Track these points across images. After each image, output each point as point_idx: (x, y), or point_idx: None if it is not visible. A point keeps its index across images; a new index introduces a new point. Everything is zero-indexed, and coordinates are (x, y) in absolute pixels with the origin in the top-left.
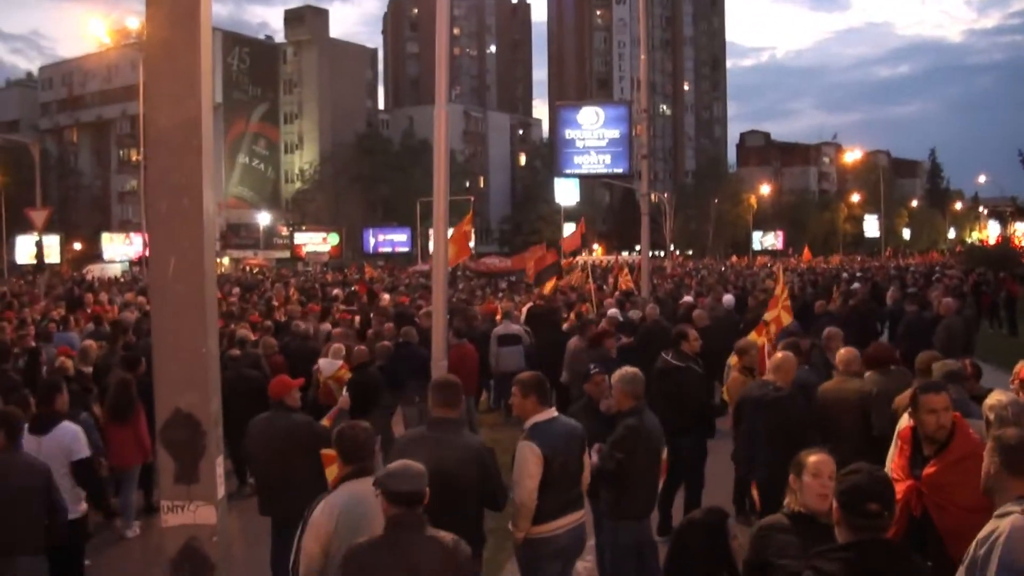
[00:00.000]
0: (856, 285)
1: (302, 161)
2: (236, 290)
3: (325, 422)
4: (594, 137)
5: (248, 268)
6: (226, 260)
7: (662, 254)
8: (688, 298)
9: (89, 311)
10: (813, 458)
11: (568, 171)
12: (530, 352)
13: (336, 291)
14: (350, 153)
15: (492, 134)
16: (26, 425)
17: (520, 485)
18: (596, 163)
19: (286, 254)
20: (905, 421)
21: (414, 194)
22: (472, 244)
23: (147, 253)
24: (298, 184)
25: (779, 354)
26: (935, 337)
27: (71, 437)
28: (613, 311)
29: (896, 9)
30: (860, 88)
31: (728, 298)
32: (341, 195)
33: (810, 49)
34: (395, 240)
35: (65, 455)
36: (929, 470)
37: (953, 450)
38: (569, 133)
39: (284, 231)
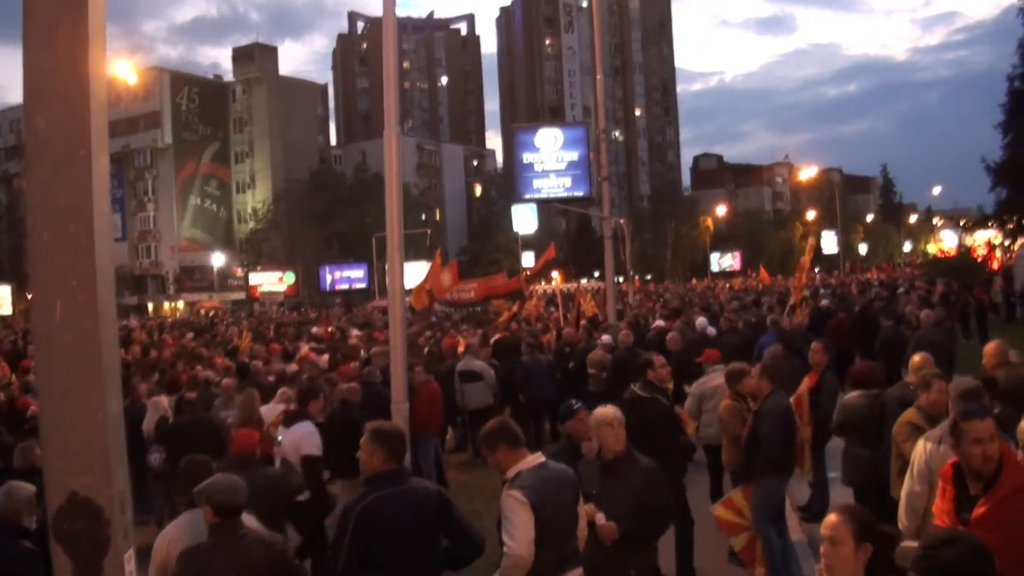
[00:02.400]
0: (825, 301)
1: (255, 200)
2: (190, 334)
3: None
4: (553, 160)
5: (203, 311)
6: (181, 304)
7: (621, 279)
8: (659, 322)
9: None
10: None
11: (528, 196)
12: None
13: (315, 329)
14: (303, 190)
15: (446, 166)
16: None
17: (512, 537)
18: (556, 187)
19: (242, 295)
20: (929, 454)
21: (370, 229)
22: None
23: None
24: (251, 224)
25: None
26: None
27: None
28: (606, 337)
29: (841, 30)
30: (809, 108)
31: (702, 321)
32: (296, 233)
33: (758, 72)
34: (352, 276)
35: None
36: (979, 511)
37: (1003, 485)
38: (527, 156)
39: (239, 272)
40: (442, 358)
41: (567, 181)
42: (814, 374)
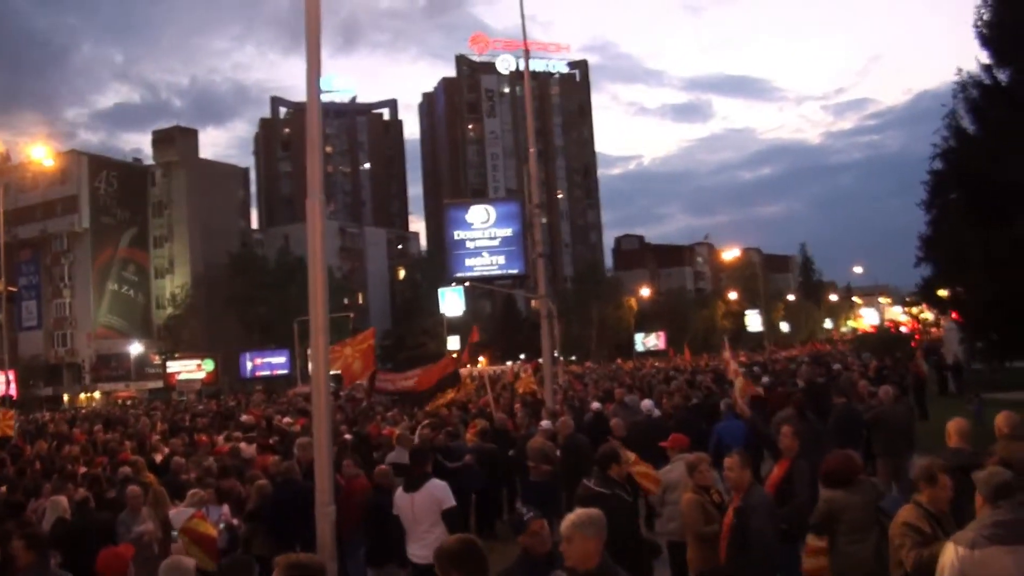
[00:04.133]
0: (766, 379)
1: (174, 285)
2: (99, 427)
3: None
4: (485, 237)
5: (120, 401)
6: (97, 394)
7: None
8: (596, 404)
9: None
10: None
11: (460, 274)
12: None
13: (244, 417)
14: (223, 274)
15: (370, 249)
16: None
17: None
18: (489, 264)
19: (159, 384)
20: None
21: (291, 314)
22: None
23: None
24: (170, 309)
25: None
26: (875, 432)
27: None
28: (546, 423)
29: (756, 116)
30: (726, 191)
31: (647, 403)
32: (215, 319)
33: (675, 156)
34: (273, 363)
35: None
36: None
37: None
38: (459, 234)
39: (156, 360)
40: (369, 449)
41: (500, 259)
42: (785, 461)
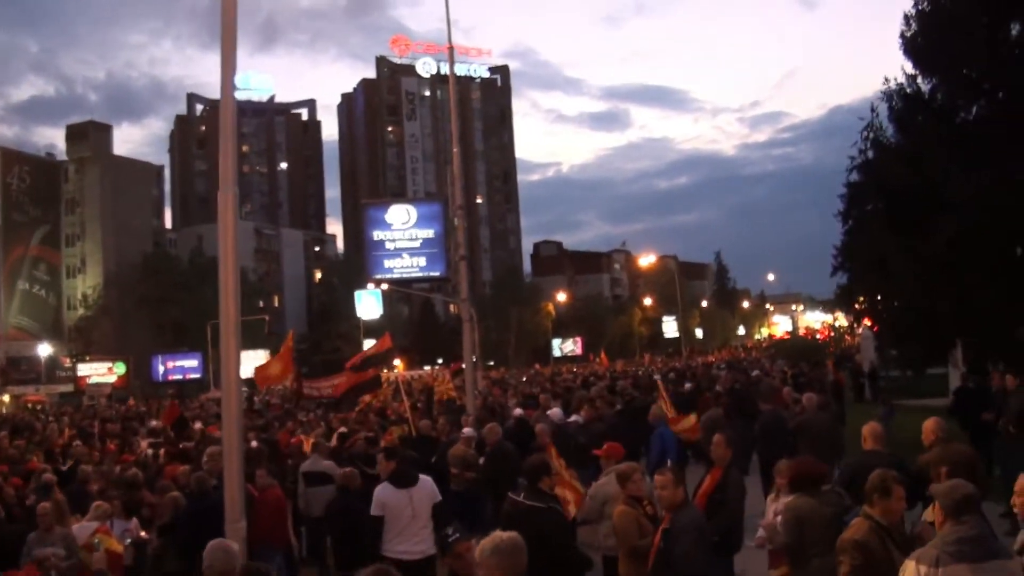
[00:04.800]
0: (687, 384)
1: (85, 285)
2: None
3: None
4: (406, 238)
5: (29, 405)
6: (7, 398)
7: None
8: (518, 411)
9: None
10: None
11: (379, 276)
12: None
13: (154, 423)
14: (136, 274)
15: (285, 251)
16: None
17: None
18: (410, 266)
19: (70, 387)
20: None
21: (205, 316)
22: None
23: None
24: (81, 310)
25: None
26: (801, 439)
27: None
28: (468, 430)
29: (673, 127)
30: (643, 199)
31: (556, 411)
32: (127, 320)
33: (593, 164)
34: (185, 366)
35: None
36: None
37: None
38: (378, 234)
39: (67, 362)
40: (281, 457)
41: (421, 260)
42: (717, 470)
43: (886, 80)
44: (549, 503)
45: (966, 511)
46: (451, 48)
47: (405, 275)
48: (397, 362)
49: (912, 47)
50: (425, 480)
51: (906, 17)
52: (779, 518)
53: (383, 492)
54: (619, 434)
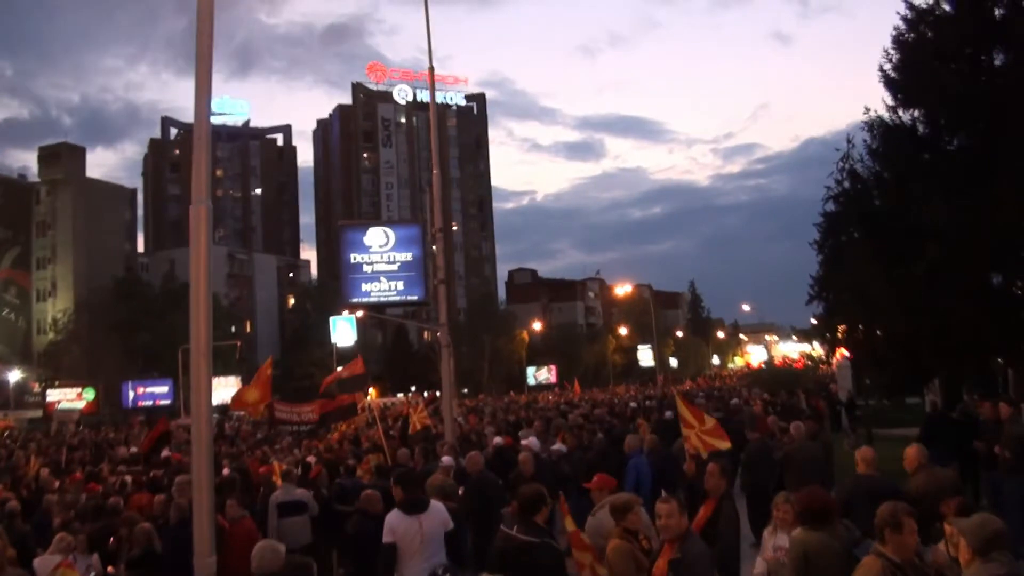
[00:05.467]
0: (669, 413)
1: (55, 309)
2: None
3: None
4: (384, 261)
5: None
6: None
7: (438, 393)
8: (497, 439)
9: None
10: None
11: (355, 300)
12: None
13: (134, 449)
14: (107, 299)
15: (259, 277)
16: None
17: None
18: (387, 290)
19: (39, 413)
20: None
21: (176, 342)
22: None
23: None
24: (51, 335)
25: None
26: (789, 469)
27: None
28: (447, 459)
29: (647, 157)
30: (616, 228)
31: (533, 441)
32: (98, 345)
33: (568, 192)
34: (156, 393)
35: None
36: None
37: None
38: (355, 257)
39: (36, 387)
40: (253, 486)
41: (399, 284)
42: (711, 502)
43: (867, 110)
44: (544, 537)
45: (996, 547)
46: (431, 69)
47: (383, 299)
48: (371, 390)
49: (893, 78)
50: (436, 506)
51: (886, 51)
52: (780, 553)
53: (393, 519)
54: (610, 464)
